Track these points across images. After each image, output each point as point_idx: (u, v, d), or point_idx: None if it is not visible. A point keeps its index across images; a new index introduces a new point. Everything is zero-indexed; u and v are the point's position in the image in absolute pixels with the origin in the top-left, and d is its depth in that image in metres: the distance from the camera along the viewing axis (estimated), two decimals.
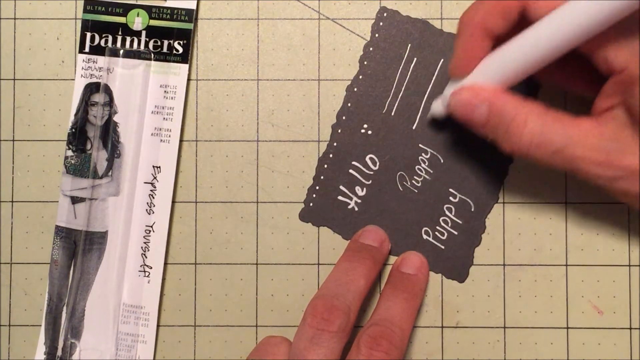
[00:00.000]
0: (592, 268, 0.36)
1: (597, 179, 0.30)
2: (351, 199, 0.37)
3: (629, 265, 0.36)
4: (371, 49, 0.37)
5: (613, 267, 0.36)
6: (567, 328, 0.36)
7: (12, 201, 0.37)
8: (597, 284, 0.36)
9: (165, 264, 0.37)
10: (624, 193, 0.31)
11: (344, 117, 0.37)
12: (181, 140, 0.37)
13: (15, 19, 0.37)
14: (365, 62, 0.37)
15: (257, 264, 0.37)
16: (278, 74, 0.37)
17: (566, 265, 0.36)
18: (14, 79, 0.37)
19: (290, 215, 0.37)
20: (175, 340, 0.37)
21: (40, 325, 0.36)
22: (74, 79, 0.37)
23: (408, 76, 0.37)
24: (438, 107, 0.34)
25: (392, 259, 0.37)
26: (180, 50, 0.37)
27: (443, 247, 0.37)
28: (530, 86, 0.36)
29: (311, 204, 0.37)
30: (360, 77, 0.37)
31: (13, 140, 0.37)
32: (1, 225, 0.37)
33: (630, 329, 0.36)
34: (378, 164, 0.37)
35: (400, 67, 0.37)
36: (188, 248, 0.37)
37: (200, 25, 0.37)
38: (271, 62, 0.37)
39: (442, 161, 0.37)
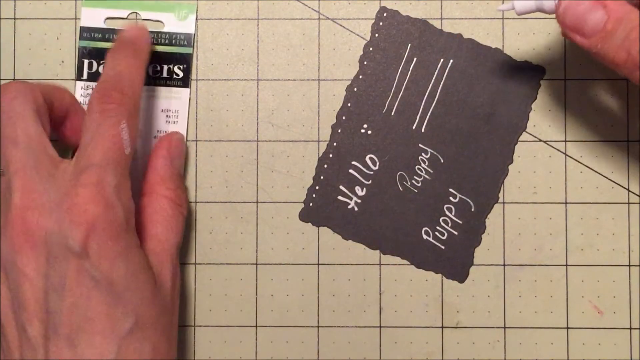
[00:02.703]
0: (592, 268, 0.36)
1: None
2: (351, 199, 0.37)
3: (629, 265, 0.36)
4: (371, 49, 0.37)
5: (613, 267, 0.36)
6: (567, 328, 0.36)
7: None
8: (597, 284, 0.36)
9: None
10: None
11: (344, 117, 0.37)
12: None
13: (15, 19, 0.37)
14: (365, 62, 0.37)
15: (257, 264, 0.37)
16: (278, 74, 0.37)
17: (566, 265, 0.36)
18: (14, 79, 0.37)
19: (290, 215, 0.37)
20: None
21: None
22: (74, 79, 0.37)
23: (408, 76, 0.37)
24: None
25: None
26: (181, 74, 0.36)
27: (443, 247, 0.37)
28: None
29: (311, 204, 0.37)
30: (360, 77, 0.37)
31: None
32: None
33: (630, 329, 0.36)
34: (378, 164, 0.37)
35: (400, 67, 0.37)
36: (188, 248, 0.37)
37: (200, 25, 0.37)
38: (271, 62, 0.37)
39: (442, 161, 0.37)
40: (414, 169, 0.37)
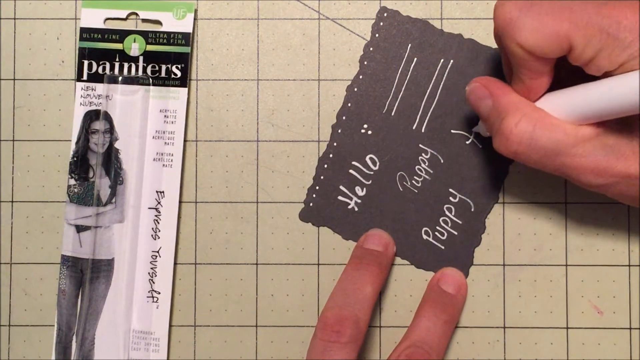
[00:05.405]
0: (592, 268, 0.36)
1: (589, 186, 0.30)
2: (351, 199, 0.37)
3: (629, 265, 0.36)
4: (371, 49, 0.37)
5: (613, 267, 0.36)
6: (567, 328, 0.36)
7: (12, 201, 0.37)
8: (597, 284, 0.36)
9: None
10: (620, 195, 0.30)
11: (344, 117, 0.37)
12: (183, 158, 0.37)
13: (15, 19, 0.37)
14: (365, 62, 0.37)
15: (257, 264, 0.37)
16: (278, 74, 0.37)
17: (566, 265, 0.36)
18: (14, 79, 0.37)
19: (290, 215, 0.37)
20: (175, 340, 0.37)
21: (41, 326, 0.36)
22: (74, 79, 0.37)
23: (408, 76, 0.37)
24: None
25: (399, 261, 0.37)
26: (179, 74, 0.36)
27: (443, 247, 0.37)
28: None
29: (311, 204, 0.37)
30: (360, 77, 0.37)
31: (13, 140, 0.37)
32: (1, 225, 0.37)
33: (630, 329, 0.36)
34: (378, 164, 0.37)
35: (400, 67, 0.37)
36: (188, 248, 0.37)
37: (200, 25, 0.37)
38: (271, 62, 0.37)
39: (442, 161, 0.37)
40: (414, 169, 0.37)
